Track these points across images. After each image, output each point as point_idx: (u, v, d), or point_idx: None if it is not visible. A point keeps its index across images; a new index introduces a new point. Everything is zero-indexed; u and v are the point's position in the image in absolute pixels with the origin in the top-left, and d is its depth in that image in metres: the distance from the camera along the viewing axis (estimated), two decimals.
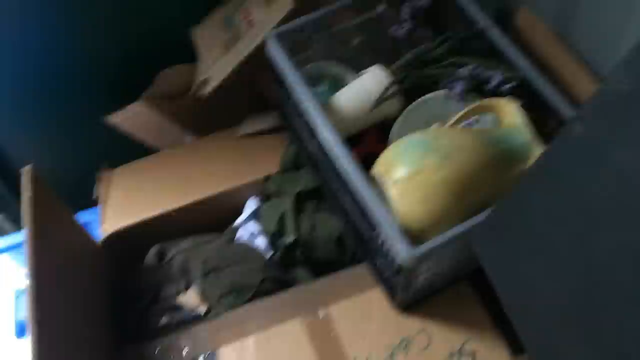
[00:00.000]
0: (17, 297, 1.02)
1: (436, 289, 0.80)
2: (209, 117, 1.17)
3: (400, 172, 0.67)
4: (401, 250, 0.66)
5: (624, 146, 0.34)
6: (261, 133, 1.08)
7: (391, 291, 0.80)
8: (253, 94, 1.15)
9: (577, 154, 0.37)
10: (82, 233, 0.92)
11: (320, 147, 0.79)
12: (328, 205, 0.92)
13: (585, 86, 0.76)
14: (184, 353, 0.80)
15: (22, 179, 0.78)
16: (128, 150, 1.13)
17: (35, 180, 0.78)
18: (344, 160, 0.72)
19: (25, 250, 0.70)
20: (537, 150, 0.69)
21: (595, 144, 0.36)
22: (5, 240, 1.10)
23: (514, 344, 0.76)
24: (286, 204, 0.92)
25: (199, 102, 1.14)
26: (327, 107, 0.82)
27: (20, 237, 1.09)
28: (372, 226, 0.72)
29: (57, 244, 0.80)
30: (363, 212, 0.74)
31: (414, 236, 0.68)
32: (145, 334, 0.84)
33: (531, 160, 0.69)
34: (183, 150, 1.13)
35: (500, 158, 0.68)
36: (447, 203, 0.65)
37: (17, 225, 1.30)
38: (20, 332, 0.97)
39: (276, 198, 0.94)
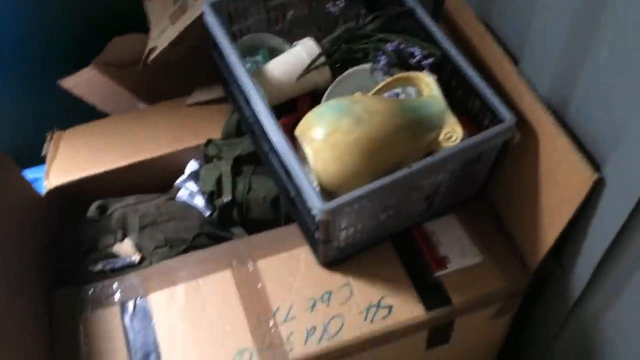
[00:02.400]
0: None
1: (359, 249, 0.86)
2: (160, 87, 1.21)
3: (317, 132, 0.72)
4: (315, 205, 0.71)
5: None
6: (208, 103, 1.13)
7: (317, 249, 0.86)
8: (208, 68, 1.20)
9: None
10: (25, 185, 0.95)
11: (254, 113, 0.84)
12: (264, 169, 0.97)
13: (500, 65, 0.82)
14: (115, 297, 0.84)
15: None
16: (83, 116, 1.17)
17: None
18: (269, 124, 0.77)
19: None
20: (450, 120, 0.75)
21: None
22: None
23: (427, 302, 0.82)
24: (224, 166, 0.97)
25: (149, 71, 1.18)
26: (259, 75, 0.87)
27: None
28: (296, 186, 0.78)
29: None
30: (288, 173, 0.79)
31: (329, 193, 0.73)
32: (80, 279, 0.88)
33: (445, 129, 0.75)
34: (131, 116, 1.16)
35: (413, 124, 0.73)
36: (359, 162, 0.71)
37: None
38: None
39: (216, 161, 0.99)
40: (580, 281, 0.81)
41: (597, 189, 0.69)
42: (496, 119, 0.77)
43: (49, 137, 1.10)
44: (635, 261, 0.70)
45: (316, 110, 0.74)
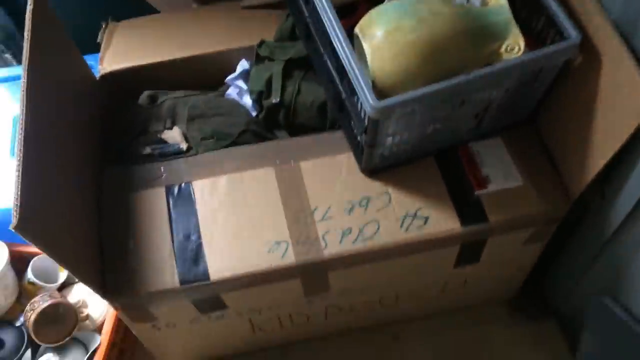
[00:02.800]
0: (14, 122, 1.08)
1: (402, 161, 0.86)
2: None
3: (377, 30, 0.71)
4: (368, 101, 0.71)
5: None
6: (262, 7, 1.12)
7: (360, 156, 0.86)
8: None
9: None
10: (83, 66, 0.97)
11: (313, 12, 0.84)
12: (314, 75, 0.97)
13: None
14: (162, 180, 0.87)
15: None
16: (133, 13, 1.17)
17: (42, 9, 0.81)
18: (330, 20, 0.76)
19: (23, 69, 0.74)
20: (514, 31, 0.73)
21: None
22: (5, 71, 1.15)
23: (464, 217, 0.83)
24: (275, 67, 0.97)
25: None
26: None
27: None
28: (350, 86, 0.78)
29: (53, 70, 0.84)
30: (343, 73, 0.79)
31: (383, 94, 0.73)
32: (128, 160, 0.90)
33: (507, 41, 0.74)
34: (185, 14, 1.16)
35: (476, 31, 0.72)
36: (416, 63, 0.70)
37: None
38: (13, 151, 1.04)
39: (267, 62, 0.99)
40: (621, 212, 0.80)
41: None
42: (561, 37, 0.75)
43: (103, 26, 1.11)
44: None
45: (379, 8, 0.73)
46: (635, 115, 0.69)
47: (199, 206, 0.85)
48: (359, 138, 0.85)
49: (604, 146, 0.76)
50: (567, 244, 0.98)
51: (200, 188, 0.86)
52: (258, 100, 0.97)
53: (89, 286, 0.76)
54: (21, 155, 0.66)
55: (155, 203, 0.86)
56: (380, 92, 0.72)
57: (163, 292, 0.79)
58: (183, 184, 0.87)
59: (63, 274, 1.02)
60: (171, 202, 0.85)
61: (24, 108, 0.70)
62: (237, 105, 0.99)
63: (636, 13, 0.70)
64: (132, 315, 0.84)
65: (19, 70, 1.15)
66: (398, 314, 1.05)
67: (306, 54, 0.97)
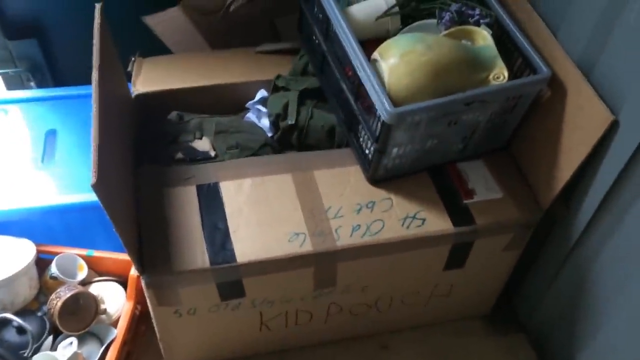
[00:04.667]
0: (46, 135, 1.19)
1: (402, 173, 1.01)
2: (231, 39, 1.38)
3: (394, 52, 0.89)
4: (385, 107, 0.86)
5: None
6: (276, 52, 1.30)
7: (368, 167, 1.01)
8: (274, 29, 1.37)
9: None
10: (124, 86, 1.11)
11: (332, 44, 1.01)
12: (325, 105, 1.13)
13: (541, 34, 0.99)
14: (193, 179, 0.99)
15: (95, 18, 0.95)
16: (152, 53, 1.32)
17: (103, 26, 0.96)
18: (353, 46, 0.93)
19: (93, 81, 0.87)
20: (499, 64, 0.92)
21: None
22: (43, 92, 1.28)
23: (455, 220, 0.97)
24: (291, 95, 1.13)
25: (226, 21, 1.35)
26: (343, 12, 1.04)
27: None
28: (364, 105, 0.94)
29: (111, 84, 0.98)
30: (358, 94, 0.96)
31: (397, 105, 0.89)
32: (162, 162, 1.02)
33: (494, 71, 0.92)
34: (206, 54, 1.33)
35: (471, 60, 0.90)
36: (426, 79, 0.87)
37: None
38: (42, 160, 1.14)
39: (283, 91, 1.15)
40: (582, 221, 0.97)
41: (611, 131, 0.86)
42: (534, 74, 0.94)
43: (132, 59, 1.25)
44: (630, 203, 0.87)
45: (394, 38, 0.91)
46: (594, 132, 0.87)
47: (226, 202, 0.96)
48: (367, 151, 1.00)
49: (568, 162, 0.94)
50: (535, 260, 1.13)
51: (227, 187, 0.98)
52: (275, 122, 1.12)
53: (132, 258, 0.85)
54: (97, 136, 0.78)
55: (187, 198, 0.97)
56: (394, 104, 0.88)
57: (194, 271, 0.89)
58: (212, 183, 0.99)
59: (82, 273, 1.09)
60: (201, 198, 0.97)
61: (98, 106, 0.82)
62: (256, 126, 1.13)
63: (594, 54, 0.90)
64: (160, 295, 0.92)
65: (54, 92, 1.30)
66: (388, 323, 1.15)
67: (318, 85, 1.13)
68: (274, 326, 1.06)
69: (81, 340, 1.02)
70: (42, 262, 1.09)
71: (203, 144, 1.05)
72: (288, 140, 1.12)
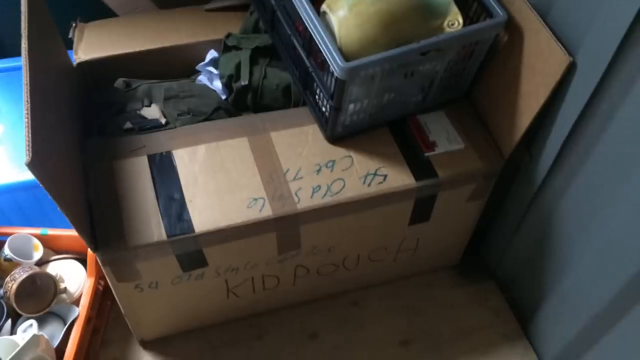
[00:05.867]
0: None
1: (361, 129, 0.98)
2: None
3: (342, 3, 0.85)
4: (337, 63, 0.83)
5: None
6: (225, 9, 1.23)
7: (325, 125, 0.98)
8: None
9: None
10: (64, 54, 1.04)
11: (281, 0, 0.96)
12: (278, 63, 1.09)
13: None
14: (144, 149, 0.94)
15: None
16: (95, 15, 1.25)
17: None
18: (302, 1, 0.89)
19: (23, 52, 0.81)
20: (454, 9, 0.88)
21: None
22: None
23: (417, 174, 0.95)
24: (243, 54, 1.08)
25: None
26: None
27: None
28: (317, 60, 0.90)
29: (46, 52, 0.91)
30: (310, 49, 0.91)
31: (350, 59, 0.85)
32: (110, 134, 0.97)
33: (449, 17, 0.89)
34: (150, 15, 1.25)
35: (424, 7, 0.86)
36: (377, 31, 0.84)
37: None
38: None
39: (235, 50, 1.10)
40: (544, 166, 0.96)
41: (569, 73, 0.84)
42: (490, 18, 0.91)
43: (73, 25, 1.18)
44: (592, 144, 0.86)
45: None
46: (553, 75, 0.85)
47: (181, 171, 0.93)
48: (323, 109, 0.96)
49: (528, 108, 0.92)
50: (501, 208, 1.13)
51: (181, 156, 0.94)
52: (228, 83, 1.07)
53: (82, 237, 0.81)
54: (29, 110, 0.73)
55: (139, 170, 0.93)
56: (346, 58, 0.85)
57: (151, 244, 0.86)
58: (164, 153, 0.95)
59: (38, 253, 1.05)
60: (154, 169, 0.93)
61: (28, 78, 0.76)
62: (208, 89, 1.08)
63: None
64: (118, 272, 0.89)
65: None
66: (357, 281, 1.15)
67: (270, 43, 1.09)
68: (242, 292, 1.05)
69: (42, 321, 0.99)
70: None
71: (152, 112, 1.00)
72: (242, 102, 1.07)
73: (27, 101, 0.73)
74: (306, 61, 0.95)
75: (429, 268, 1.21)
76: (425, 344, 1.12)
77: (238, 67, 1.07)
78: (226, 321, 1.13)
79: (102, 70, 1.09)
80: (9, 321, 0.97)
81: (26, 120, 0.71)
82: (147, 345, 1.10)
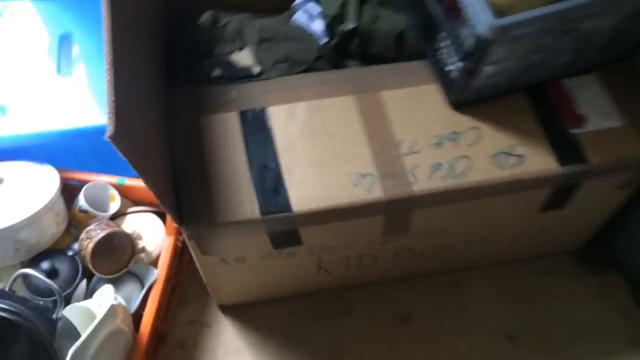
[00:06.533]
0: (60, 41, 1.01)
1: (494, 94, 0.81)
2: None
3: None
4: (485, 20, 0.65)
5: None
6: None
7: (449, 87, 0.81)
8: None
9: None
10: None
11: None
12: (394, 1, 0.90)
13: None
14: (235, 104, 0.81)
15: None
16: None
17: None
18: None
19: None
20: None
21: None
22: None
23: (562, 157, 0.78)
24: None
25: None
26: None
27: None
28: (452, 6, 0.71)
29: None
30: None
31: (499, 13, 0.67)
32: (196, 82, 0.84)
33: None
34: None
35: None
36: None
37: None
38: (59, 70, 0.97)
39: None
40: None
41: None
42: None
43: None
44: None
45: None
46: None
47: (277, 133, 0.79)
48: (450, 67, 0.79)
49: None
50: None
51: (277, 114, 0.80)
52: (331, 25, 0.90)
53: (168, 212, 0.70)
54: (111, 64, 0.59)
55: (229, 128, 0.79)
56: (495, 11, 0.66)
57: (242, 222, 0.74)
58: (258, 109, 0.81)
59: (115, 204, 0.96)
60: (246, 128, 0.79)
61: (109, 24, 0.63)
62: (306, 32, 0.91)
63: None
64: (203, 246, 0.78)
65: None
66: (462, 262, 1.01)
67: None
68: (334, 269, 0.93)
69: (118, 281, 0.91)
70: (69, 190, 0.96)
71: (244, 58, 0.85)
72: (347, 48, 0.90)
73: (110, 51, 0.60)
74: (435, 6, 0.76)
75: (545, 252, 1.05)
76: (533, 342, 0.97)
77: (344, 5, 0.89)
78: (312, 293, 1.02)
79: (187, 1, 0.94)
80: (84, 282, 0.90)
81: (108, 78, 0.58)
82: (226, 309, 1.02)
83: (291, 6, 0.96)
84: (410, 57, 0.89)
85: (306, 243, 0.82)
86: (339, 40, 0.90)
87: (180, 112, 0.80)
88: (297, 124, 0.80)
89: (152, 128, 0.73)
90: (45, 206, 0.88)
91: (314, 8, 0.93)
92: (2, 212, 0.85)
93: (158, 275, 0.92)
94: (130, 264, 0.91)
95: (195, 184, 0.75)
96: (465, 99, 0.80)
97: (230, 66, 0.85)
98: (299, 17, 0.94)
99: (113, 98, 0.57)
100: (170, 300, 0.98)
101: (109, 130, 0.55)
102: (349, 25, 0.88)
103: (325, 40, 0.92)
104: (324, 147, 0.78)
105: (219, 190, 0.75)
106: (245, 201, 0.74)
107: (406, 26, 0.87)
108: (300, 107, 0.81)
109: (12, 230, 0.84)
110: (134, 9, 0.76)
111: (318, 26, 0.92)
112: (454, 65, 0.78)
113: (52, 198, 0.89)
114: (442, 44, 0.79)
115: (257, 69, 0.85)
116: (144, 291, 0.91)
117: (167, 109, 0.81)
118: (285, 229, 0.77)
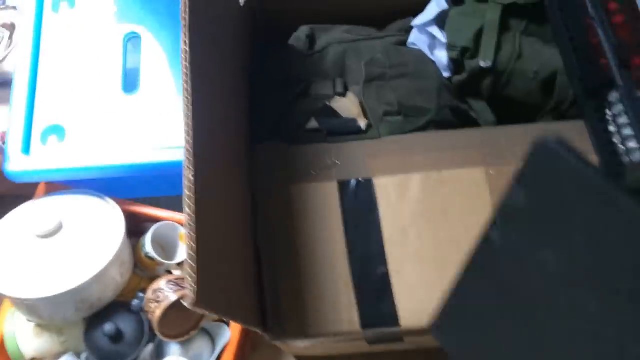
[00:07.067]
0: (125, 42, 0.85)
1: None
2: None
3: None
4: None
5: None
6: None
7: (614, 166, 0.61)
8: None
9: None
10: None
11: None
12: (542, 29, 0.69)
13: None
14: (334, 170, 0.65)
15: None
16: None
17: None
18: None
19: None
20: None
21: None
22: None
23: None
24: (489, 14, 0.69)
25: None
26: None
27: None
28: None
29: None
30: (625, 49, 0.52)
31: None
32: (287, 133, 0.68)
33: None
34: None
35: None
36: None
37: None
38: (128, 86, 0.82)
39: (476, 2, 0.71)
40: None
41: None
42: None
43: None
44: None
45: None
46: None
47: (384, 215, 0.63)
48: (619, 146, 0.59)
49: None
50: None
51: (384, 189, 0.64)
52: (459, 59, 0.70)
53: (250, 327, 0.57)
54: (190, 119, 0.46)
55: (326, 205, 0.63)
56: None
57: (338, 334, 0.60)
58: (362, 180, 0.64)
59: (183, 246, 0.84)
60: (347, 206, 0.64)
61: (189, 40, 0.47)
62: (426, 63, 0.72)
63: None
64: (287, 347, 0.66)
65: None
66: None
67: None
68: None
69: (187, 341, 0.81)
70: (132, 222, 0.84)
71: (347, 106, 0.68)
72: (477, 87, 0.71)
73: (188, 96, 0.45)
74: (613, 69, 0.56)
75: None
76: None
77: (479, 36, 0.69)
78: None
79: (277, 11, 0.76)
80: (151, 345, 0.80)
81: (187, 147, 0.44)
82: (301, 357, 0.92)
83: (411, 24, 0.75)
84: (558, 106, 0.69)
85: (407, 341, 0.68)
86: (468, 79, 0.70)
87: (267, 179, 0.65)
88: (410, 203, 0.63)
89: (233, 209, 0.58)
90: (112, 261, 0.76)
91: (439, 32, 0.72)
92: (62, 269, 0.75)
93: (231, 336, 0.81)
94: (201, 323, 0.80)
95: (283, 283, 0.61)
96: (635, 185, 0.61)
97: (330, 116, 0.68)
98: (417, 40, 0.74)
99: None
100: (243, 349, 0.88)
101: (189, 299, 0.41)
102: (484, 63, 0.69)
103: (448, 74, 0.72)
104: (442, 239, 0.62)
105: (311, 292, 0.60)
106: (342, 309, 0.60)
107: (557, 68, 0.67)
108: (415, 181, 0.64)
109: (73, 292, 0.74)
110: (213, 20, 0.60)
111: (442, 55, 0.72)
112: (626, 143, 0.59)
113: (120, 249, 0.78)
114: (612, 109, 0.59)
115: (363, 123, 0.67)
116: (216, 352, 0.80)
117: (251, 172, 0.66)
118: (386, 339, 0.63)
